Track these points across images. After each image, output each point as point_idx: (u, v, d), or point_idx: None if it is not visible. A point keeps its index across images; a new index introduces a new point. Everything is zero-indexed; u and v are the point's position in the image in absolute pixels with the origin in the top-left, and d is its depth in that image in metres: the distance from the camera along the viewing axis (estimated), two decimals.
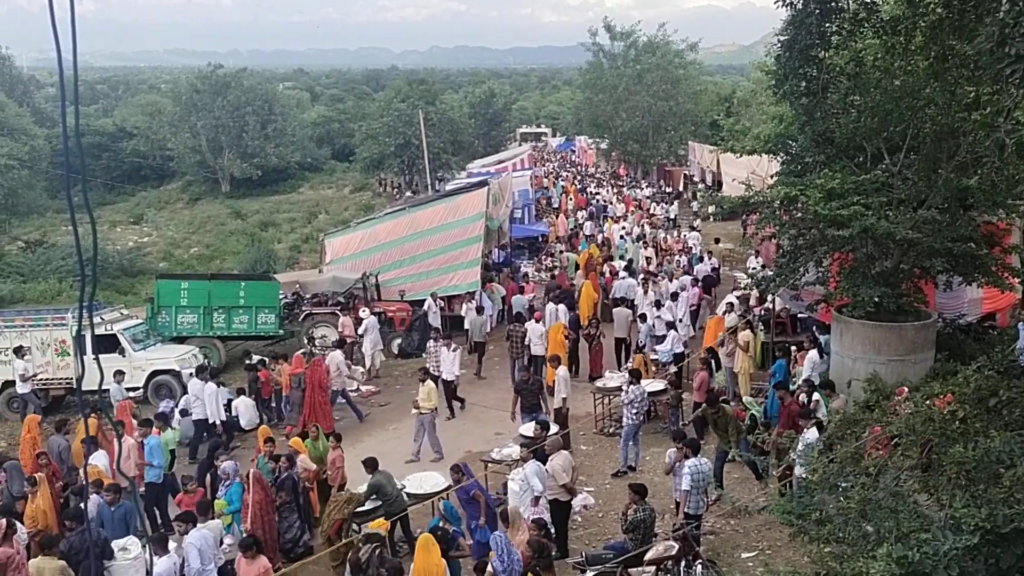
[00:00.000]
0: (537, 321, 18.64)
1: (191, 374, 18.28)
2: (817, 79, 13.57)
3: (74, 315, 18.45)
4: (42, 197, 47.20)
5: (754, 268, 22.39)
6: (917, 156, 13.93)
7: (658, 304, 19.19)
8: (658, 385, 15.75)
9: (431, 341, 17.93)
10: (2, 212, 41.84)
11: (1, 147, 39.10)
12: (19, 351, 17.57)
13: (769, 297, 17.56)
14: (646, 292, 20.34)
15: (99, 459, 12.25)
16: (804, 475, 9.89)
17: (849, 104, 14.00)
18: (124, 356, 18.06)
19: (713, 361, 16.15)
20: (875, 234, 13.01)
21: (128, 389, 16.27)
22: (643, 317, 19.03)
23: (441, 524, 9.98)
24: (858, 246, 14.01)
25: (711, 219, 38.47)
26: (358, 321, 20.16)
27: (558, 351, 17.48)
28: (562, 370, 15.30)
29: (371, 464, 11.60)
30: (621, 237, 32.43)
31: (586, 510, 12.73)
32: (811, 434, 10.68)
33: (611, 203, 42.58)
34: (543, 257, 29.92)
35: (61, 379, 18.36)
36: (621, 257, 28.31)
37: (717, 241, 28.24)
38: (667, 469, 11.86)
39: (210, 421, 15.22)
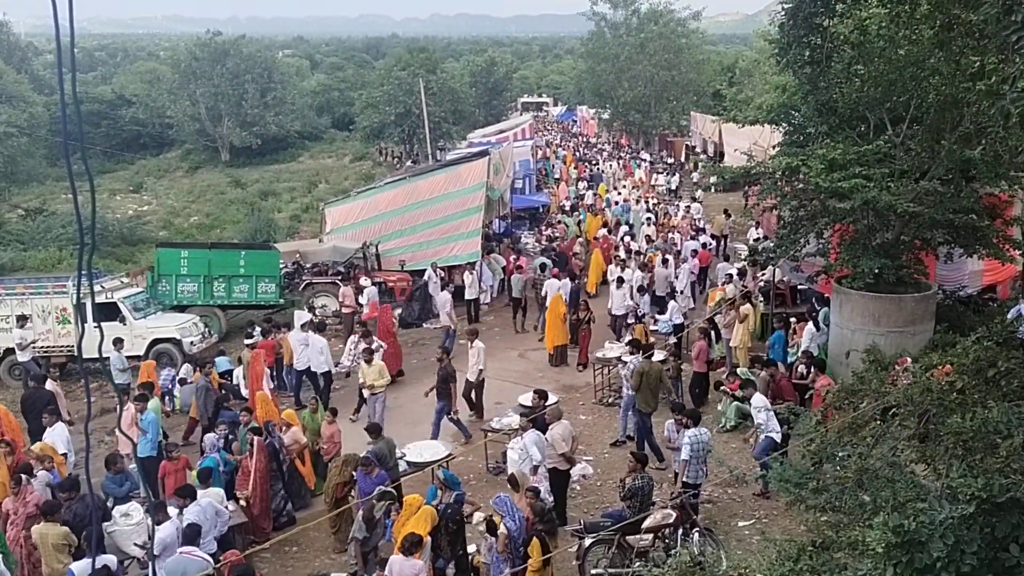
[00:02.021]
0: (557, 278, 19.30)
1: (192, 343, 18.39)
2: (821, 48, 13.44)
3: (75, 283, 18.45)
4: (41, 165, 47.00)
5: (755, 239, 22.37)
6: (920, 127, 13.85)
7: (620, 282, 19.17)
8: (658, 356, 15.78)
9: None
10: (1, 180, 41.65)
11: (0, 114, 38.83)
12: (21, 320, 17.58)
13: (769, 268, 17.56)
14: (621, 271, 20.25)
15: (50, 436, 11.96)
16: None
17: (852, 74, 13.89)
18: (125, 324, 18.09)
19: (712, 332, 16.18)
20: (876, 206, 12.96)
21: (129, 357, 16.30)
22: (641, 289, 19.03)
23: (439, 493, 10.04)
24: (859, 218, 13.97)
25: (712, 190, 38.35)
26: (359, 291, 20.16)
27: (556, 324, 17.55)
28: (478, 343, 15.21)
29: (374, 430, 11.68)
30: (616, 203, 32.45)
31: (584, 479, 12.83)
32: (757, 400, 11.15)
33: (613, 174, 42.40)
34: (543, 228, 29.84)
35: (62, 347, 18.40)
36: (629, 224, 28.36)
37: (728, 214, 28.08)
38: (668, 443, 11.99)
39: (319, 372, 15.78)
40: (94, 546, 7.76)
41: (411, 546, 8.71)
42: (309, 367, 15.84)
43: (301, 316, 15.37)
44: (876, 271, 13.59)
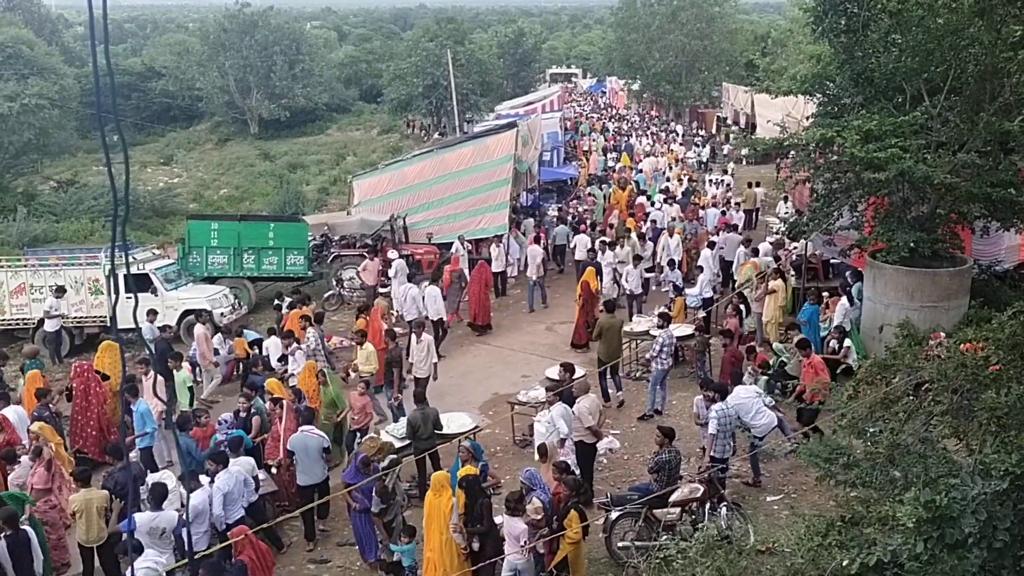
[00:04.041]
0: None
1: (222, 314, 18.55)
2: (858, 16, 13.19)
3: (107, 254, 18.68)
4: (73, 137, 47.37)
5: (786, 212, 22.10)
6: (958, 98, 13.54)
7: (637, 259, 18.91)
8: (686, 330, 15.71)
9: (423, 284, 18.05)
10: (33, 152, 42.02)
11: (31, 87, 39.11)
12: (60, 291, 17.85)
13: (801, 242, 17.35)
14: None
15: (10, 412, 11.99)
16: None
17: (890, 43, 13.60)
18: (156, 295, 18.31)
19: (743, 306, 16.05)
20: (912, 178, 12.74)
21: (160, 328, 16.50)
22: (672, 263, 18.88)
23: (463, 466, 10.08)
24: (894, 190, 13.74)
25: (743, 162, 37.90)
26: (387, 263, 20.20)
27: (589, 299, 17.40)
28: (426, 336, 14.63)
29: (418, 397, 11.74)
30: (641, 171, 32.19)
31: (611, 452, 12.84)
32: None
33: (642, 148, 41.98)
34: (571, 200, 29.68)
35: (95, 317, 18.68)
36: (648, 196, 28.08)
37: (758, 184, 27.68)
38: (696, 419, 11.97)
39: (434, 319, 17.06)
40: (130, 508, 7.90)
41: (515, 504, 8.79)
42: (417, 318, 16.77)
43: (275, 344, 15.42)
44: (911, 245, 13.38)
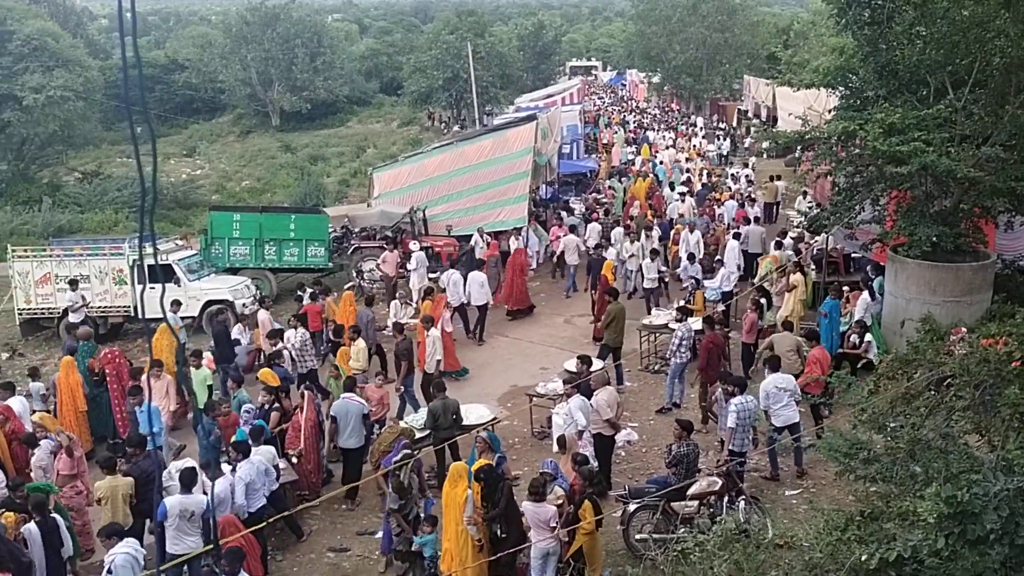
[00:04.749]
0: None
1: (244, 305, 18.70)
2: (882, 8, 13.06)
3: (131, 245, 18.88)
4: (97, 129, 47.81)
5: (808, 206, 21.96)
6: (983, 90, 13.40)
7: (654, 254, 18.95)
8: (700, 323, 15.66)
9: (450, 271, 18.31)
10: (59, 143, 42.46)
11: (56, 79, 39.44)
12: (73, 283, 18.06)
13: (822, 236, 17.24)
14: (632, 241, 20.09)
15: (14, 403, 12.08)
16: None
17: (914, 35, 13.46)
18: (179, 286, 18.48)
19: (764, 300, 15.98)
20: (935, 171, 12.63)
21: (183, 318, 16.66)
22: (691, 257, 18.82)
23: (479, 457, 10.12)
24: (917, 184, 13.62)
25: (764, 155, 37.65)
26: (407, 255, 20.27)
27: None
28: (434, 331, 14.54)
29: (438, 387, 11.81)
30: (661, 162, 32.06)
31: (629, 445, 12.85)
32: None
33: (663, 141, 41.80)
34: (591, 193, 29.61)
35: (119, 307, 18.88)
36: (672, 185, 28.00)
37: (779, 177, 27.52)
38: (711, 404, 11.95)
39: (477, 304, 17.61)
40: (155, 496, 8.02)
41: (539, 490, 8.84)
42: (464, 303, 17.53)
43: (265, 317, 16.09)
44: (933, 239, 13.26)
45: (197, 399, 13.08)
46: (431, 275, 19.74)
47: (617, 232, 21.85)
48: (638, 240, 19.87)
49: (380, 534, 10.53)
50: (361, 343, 14.25)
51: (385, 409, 12.85)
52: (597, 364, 13.17)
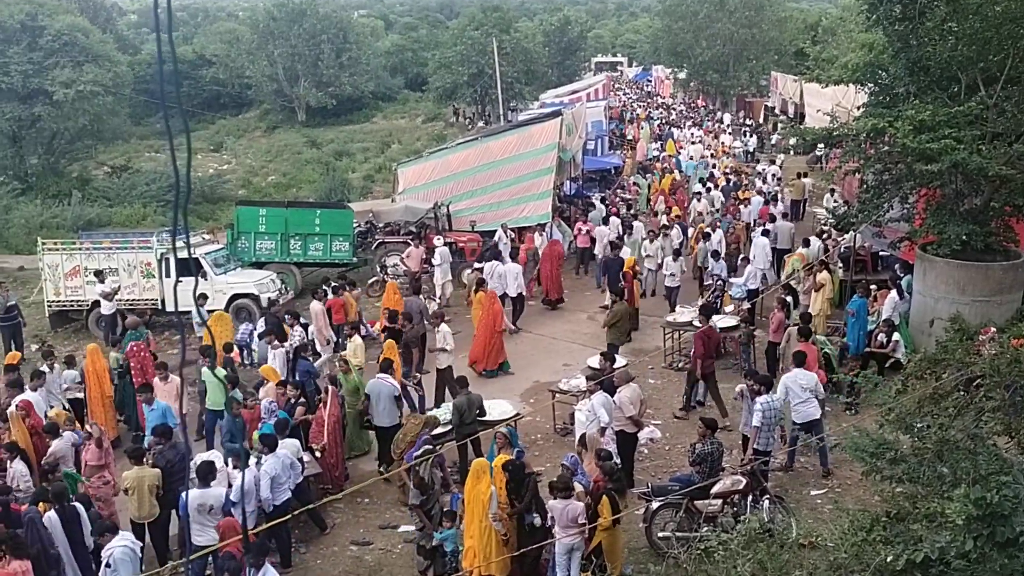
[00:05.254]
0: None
1: (269, 298, 18.83)
2: (914, 3, 12.88)
3: (159, 238, 19.07)
4: (126, 123, 48.35)
5: (835, 204, 21.77)
6: (1016, 87, 13.22)
7: (676, 254, 18.91)
8: (730, 321, 15.57)
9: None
10: (88, 138, 42.99)
11: (86, 74, 39.87)
12: (99, 274, 18.29)
13: (849, 234, 17.07)
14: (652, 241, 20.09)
15: (33, 397, 12.19)
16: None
17: (946, 31, 13.26)
18: (206, 279, 18.62)
19: (791, 298, 15.87)
20: (966, 169, 12.46)
21: (209, 311, 16.80)
22: (715, 254, 18.71)
23: (498, 452, 10.12)
24: (947, 181, 13.46)
25: (791, 152, 37.35)
26: (431, 251, 20.33)
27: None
28: (444, 326, 14.59)
29: (461, 383, 11.83)
30: (691, 157, 31.89)
31: (652, 443, 12.81)
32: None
33: (688, 137, 41.58)
34: (615, 189, 29.52)
35: (147, 300, 19.08)
36: (702, 180, 27.86)
37: (805, 175, 27.28)
38: (736, 395, 11.91)
39: (512, 295, 18.01)
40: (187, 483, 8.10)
41: (567, 486, 8.85)
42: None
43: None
44: (963, 238, 13.10)
45: (211, 399, 12.96)
46: (476, 264, 20.01)
47: (637, 226, 21.85)
48: (656, 240, 19.82)
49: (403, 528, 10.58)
50: (358, 338, 14.41)
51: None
52: (620, 361, 13.14)
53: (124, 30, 76.69)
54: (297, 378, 13.07)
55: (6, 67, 38.74)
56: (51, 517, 8.90)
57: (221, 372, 13.32)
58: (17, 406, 11.48)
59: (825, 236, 19.22)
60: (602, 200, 26.00)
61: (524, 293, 18.55)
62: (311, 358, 14.22)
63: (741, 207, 24.45)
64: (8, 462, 10.28)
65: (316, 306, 16.32)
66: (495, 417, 11.99)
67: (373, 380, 12.25)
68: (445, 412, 12.24)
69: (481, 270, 18.35)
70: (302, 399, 12.18)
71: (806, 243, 18.30)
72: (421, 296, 17.75)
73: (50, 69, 39.42)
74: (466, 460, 11.49)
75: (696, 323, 14.80)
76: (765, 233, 19.30)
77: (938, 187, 13.81)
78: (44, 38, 39.79)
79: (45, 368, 13.25)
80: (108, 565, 8.28)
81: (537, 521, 9.14)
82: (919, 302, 14.34)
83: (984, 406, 6.59)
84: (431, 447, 10.43)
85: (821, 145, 30.61)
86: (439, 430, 11.80)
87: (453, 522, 9.63)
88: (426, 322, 15.59)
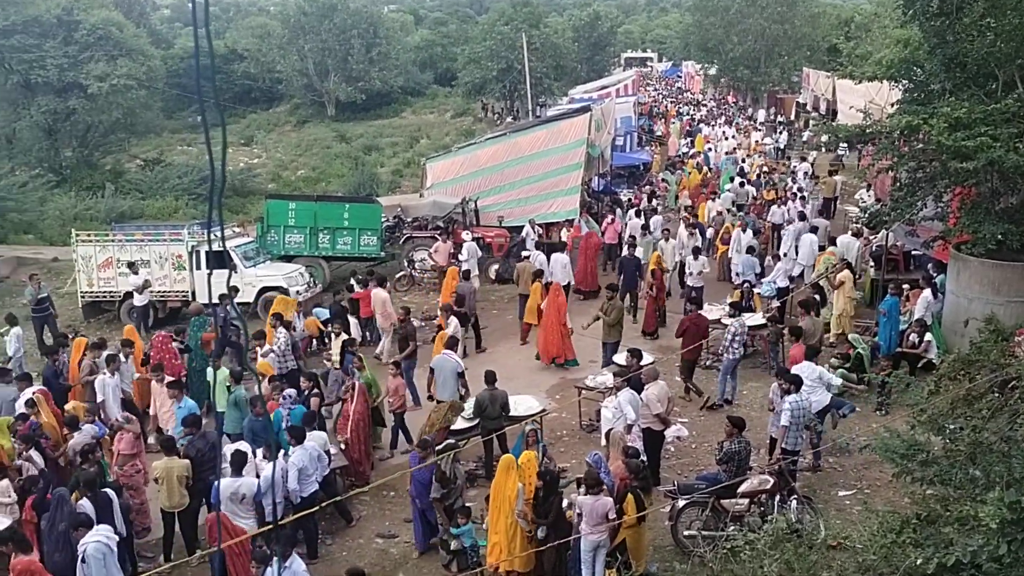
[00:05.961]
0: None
1: (298, 292, 18.96)
2: None
3: (190, 231, 19.29)
4: (159, 117, 48.92)
5: (867, 202, 21.49)
6: None
7: (696, 252, 18.59)
8: (758, 319, 15.45)
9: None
10: (121, 131, 43.53)
11: (120, 68, 40.35)
12: (131, 265, 18.53)
13: (881, 232, 16.85)
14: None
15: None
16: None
17: (984, 27, 13.03)
18: (236, 272, 18.82)
19: (819, 297, 15.71)
20: (1002, 167, 12.25)
21: (239, 304, 16.96)
22: (751, 250, 18.56)
23: (526, 448, 10.12)
24: (982, 180, 13.25)
25: (823, 149, 36.95)
26: (458, 245, 20.36)
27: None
28: (453, 320, 14.64)
29: (488, 378, 11.84)
30: (727, 153, 31.65)
31: (679, 440, 12.74)
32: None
33: (716, 136, 41.27)
34: (643, 185, 29.39)
35: (178, 292, 19.31)
36: (731, 178, 27.66)
37: (836, 172, 27.00)
38: (771, 406, 11.79)
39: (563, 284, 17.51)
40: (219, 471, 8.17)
41: (597, 482, 8.84)
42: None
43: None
44: (999, 237, 12.88)
45: (218, 400, 12.82)
46: (524, 253, 20.28)
47: (656, 220, 21.77)
48: (672, 239, 19.72)
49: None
50: (344, 337, 14.24)
51: (402, 399, 12.85)
52: (647, 358, 13.08)
53: (157, 24, 77.54)
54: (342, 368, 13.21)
55: (42, 61, 39.28)
56: (84, 505, 9.03)
57: (223, 372, 13.09)
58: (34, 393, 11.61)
59: (858, 233, 18.97)
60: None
61: (572, 283, 18.69)
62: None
63: (773, 207, 24.24)
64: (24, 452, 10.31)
65: (381, 293, 16.55)
66: (520, 413, 11.99)
67: (438, 356, 12.95)
68: (468, 407, 12.24)
69: (528, 258, 18.61)
70: (315, 391, 12.26)
71: (833, 242, 18.11)
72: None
73: (85, 63, 39.94)
74: (491, 456, 11.51)
75: (723, 321, 14.73)
76: (813, 230, 19.20)
77: (973, 185, 13.59)
78: (79, 32, 40.29)
79: (122, 356, 13.39)
80: (83, 561, 8.16)
81: (542, 533, 9.10)
82: (952, 302, 14.13)
83: (1019, 408, 6.49)
84: (453, 441, 10.45)
85: (844, 145, 30.29)
86: (463, 424, 11.83)
87: (468, 518, 9.62)
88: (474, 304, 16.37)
